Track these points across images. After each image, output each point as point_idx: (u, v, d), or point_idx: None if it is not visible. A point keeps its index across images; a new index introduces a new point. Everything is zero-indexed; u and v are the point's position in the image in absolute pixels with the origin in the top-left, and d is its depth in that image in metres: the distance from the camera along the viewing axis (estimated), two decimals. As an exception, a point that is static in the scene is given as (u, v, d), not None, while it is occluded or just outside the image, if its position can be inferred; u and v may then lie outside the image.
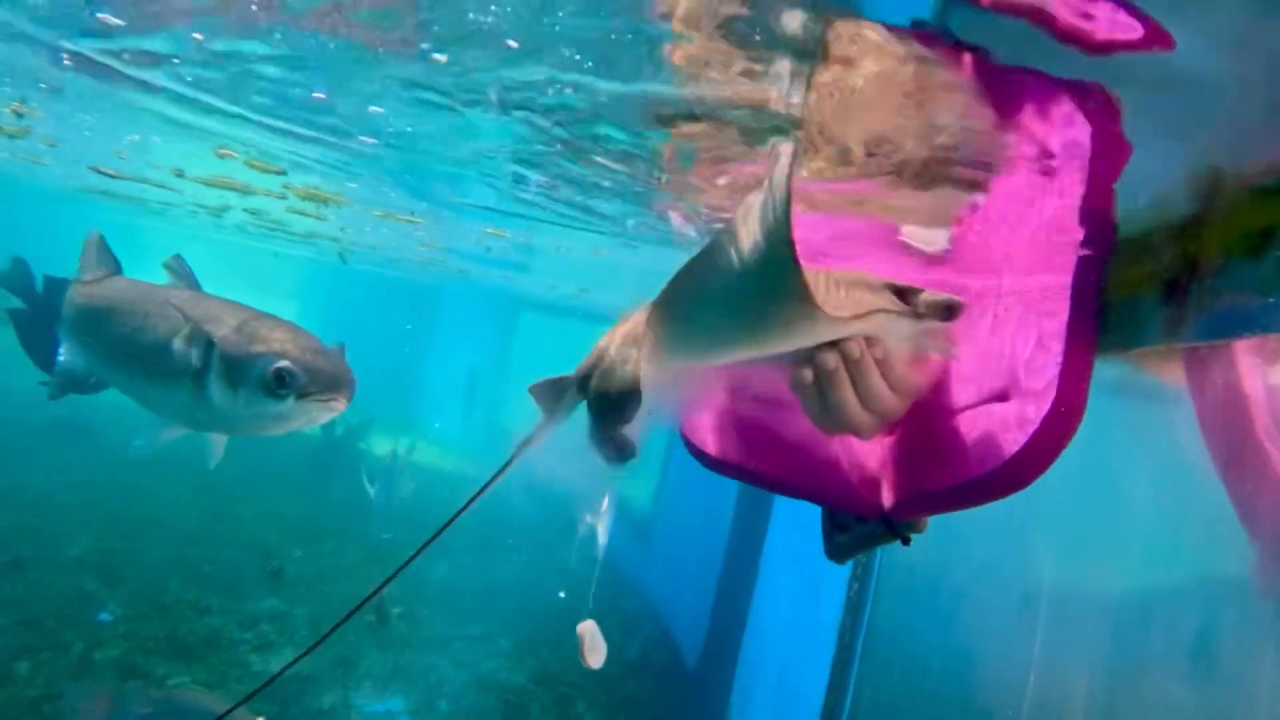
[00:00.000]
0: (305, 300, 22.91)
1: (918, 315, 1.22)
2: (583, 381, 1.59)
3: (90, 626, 5.39)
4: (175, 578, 6.35)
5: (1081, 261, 1.24)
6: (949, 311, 1.23)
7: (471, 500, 1.58)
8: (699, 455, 1.66)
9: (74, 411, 9.56)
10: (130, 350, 3.14)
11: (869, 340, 1.23)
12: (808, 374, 1.23)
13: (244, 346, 2.76)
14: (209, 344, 2.79)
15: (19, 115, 5.43)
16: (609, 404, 1.48)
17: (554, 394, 1.66)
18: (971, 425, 1.24)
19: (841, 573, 4.46)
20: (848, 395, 1.23)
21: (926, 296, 1.25)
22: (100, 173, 7.44)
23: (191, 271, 3.34)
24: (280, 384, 2.68)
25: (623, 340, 1.57)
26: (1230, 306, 1.04)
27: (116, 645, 5.26)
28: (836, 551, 1.52)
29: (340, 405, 2.78)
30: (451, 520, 1.55)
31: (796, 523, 5.24)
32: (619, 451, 1.47)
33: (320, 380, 2.73)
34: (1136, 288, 1.20)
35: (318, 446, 11.64)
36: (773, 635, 5.43)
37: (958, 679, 3.40)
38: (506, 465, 1.61)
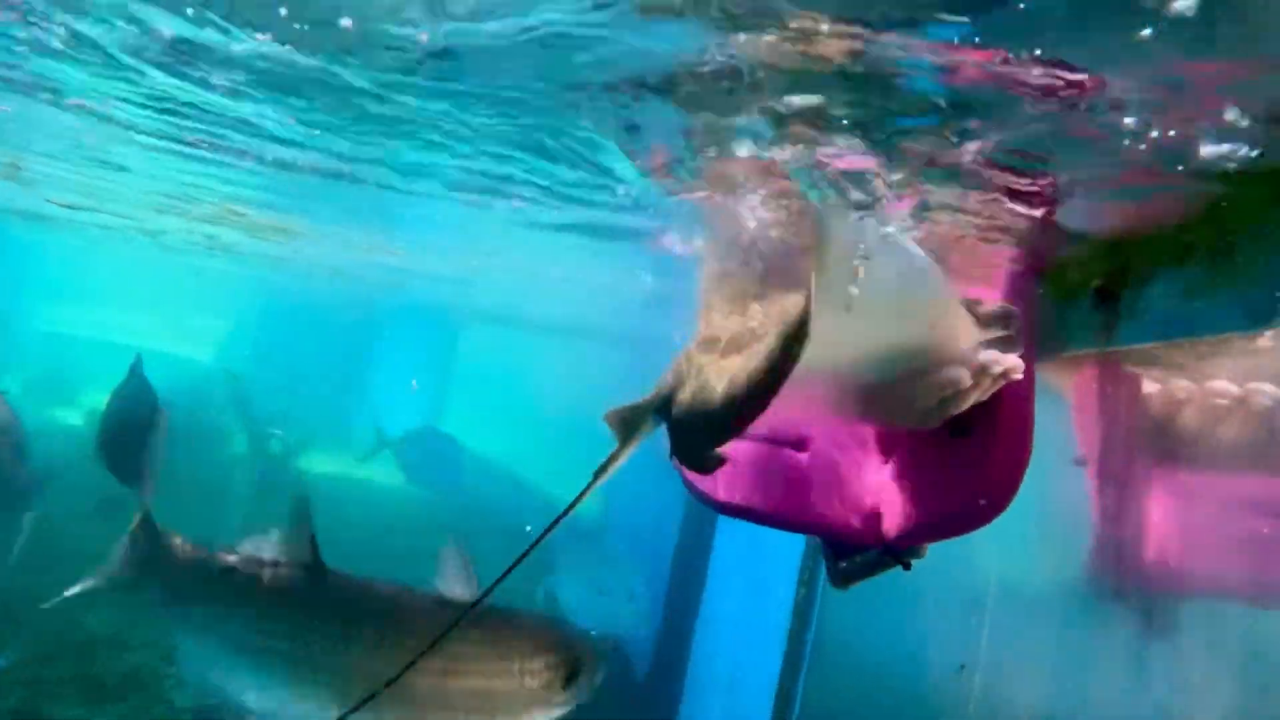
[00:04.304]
0: (238, 316, 21.82)
1: (984, 326, 1.30)
2: (663, 405, 1.61)
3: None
4: (90, 614, 5.94)
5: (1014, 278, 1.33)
6: (1007, 320, 1.30)
7: (555, 522, 1.72)
8: (705, 499, 1.72)
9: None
10: None
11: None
12: (966, 377, 1.31)
13: None
14: None
15: (16, 168, 4.97)
16: (711, 423, 1.44)
17: (630, 422, 1.71)
18: (948, 458, 1.34)
19: (789, 577, 4.50)
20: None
21: (985, 308, 1.32)
22: (55, 204, 6.84)
23: (471, 567, 2.72)
24: None
25: (705, 355, 1.57)
26: (1160, 311, 1.09)
27: (15, 692, 4.86)
28: (840, 578, 1.58)
29: None
30: (541, 537, 1.76)
31: (743, 530, 5.26)
32: (712, 464, 1.47)
33: None
34: (1071, 295, 1.24)
35: (248, 462, 11.15)
36: (722, 642, 5.44)
37: (907, 679, 3.46)
38: (584, 492, 1.68)
